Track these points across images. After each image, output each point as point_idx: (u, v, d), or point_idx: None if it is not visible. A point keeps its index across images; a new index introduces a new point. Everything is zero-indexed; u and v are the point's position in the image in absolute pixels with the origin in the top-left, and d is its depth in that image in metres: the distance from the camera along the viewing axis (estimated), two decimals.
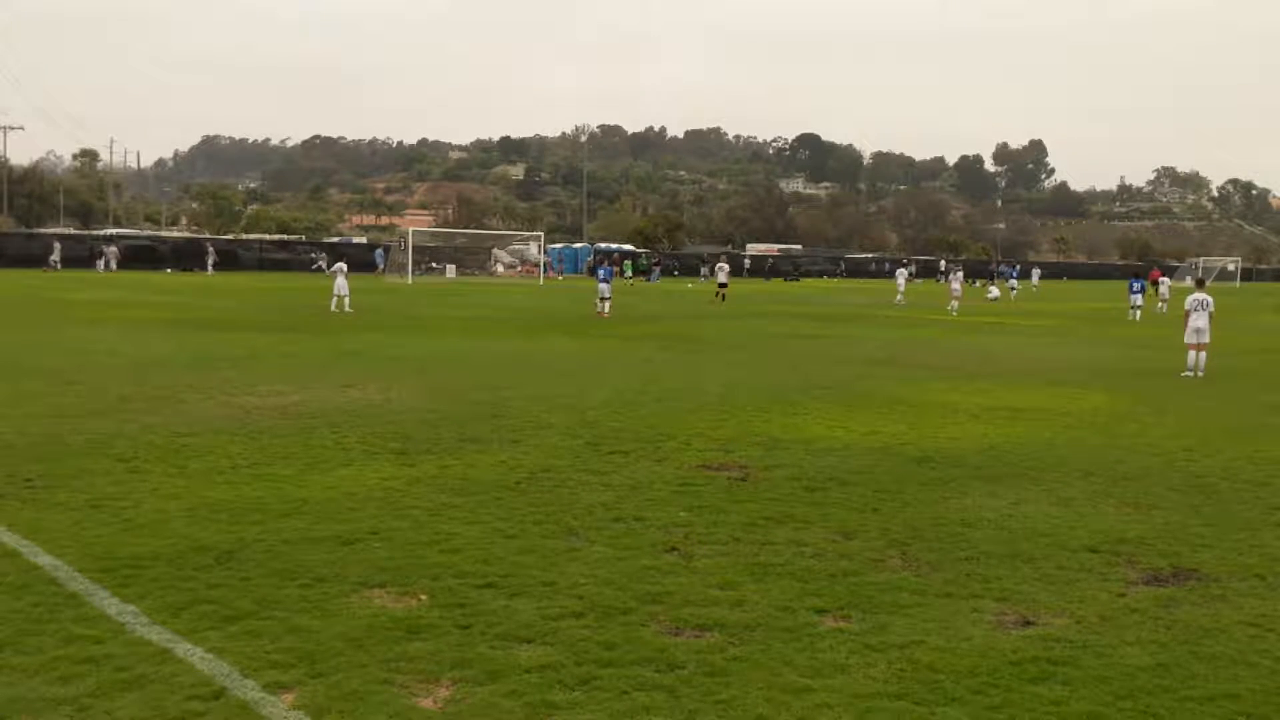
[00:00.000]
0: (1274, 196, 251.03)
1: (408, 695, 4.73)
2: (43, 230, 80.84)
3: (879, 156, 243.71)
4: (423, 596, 6.02)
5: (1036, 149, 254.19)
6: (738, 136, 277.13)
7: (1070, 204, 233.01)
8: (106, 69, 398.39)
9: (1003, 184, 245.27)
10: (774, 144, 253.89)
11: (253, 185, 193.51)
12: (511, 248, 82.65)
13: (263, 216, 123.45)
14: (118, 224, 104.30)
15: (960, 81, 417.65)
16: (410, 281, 55.57)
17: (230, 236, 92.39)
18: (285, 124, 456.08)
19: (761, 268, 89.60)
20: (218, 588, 6.08)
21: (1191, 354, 18.79)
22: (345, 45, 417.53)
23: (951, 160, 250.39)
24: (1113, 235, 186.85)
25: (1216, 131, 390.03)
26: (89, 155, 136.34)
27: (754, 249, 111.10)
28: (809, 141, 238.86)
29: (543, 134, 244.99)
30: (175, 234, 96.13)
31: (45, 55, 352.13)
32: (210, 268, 64.12)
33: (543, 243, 77.08)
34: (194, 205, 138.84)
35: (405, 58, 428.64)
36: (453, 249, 76.94)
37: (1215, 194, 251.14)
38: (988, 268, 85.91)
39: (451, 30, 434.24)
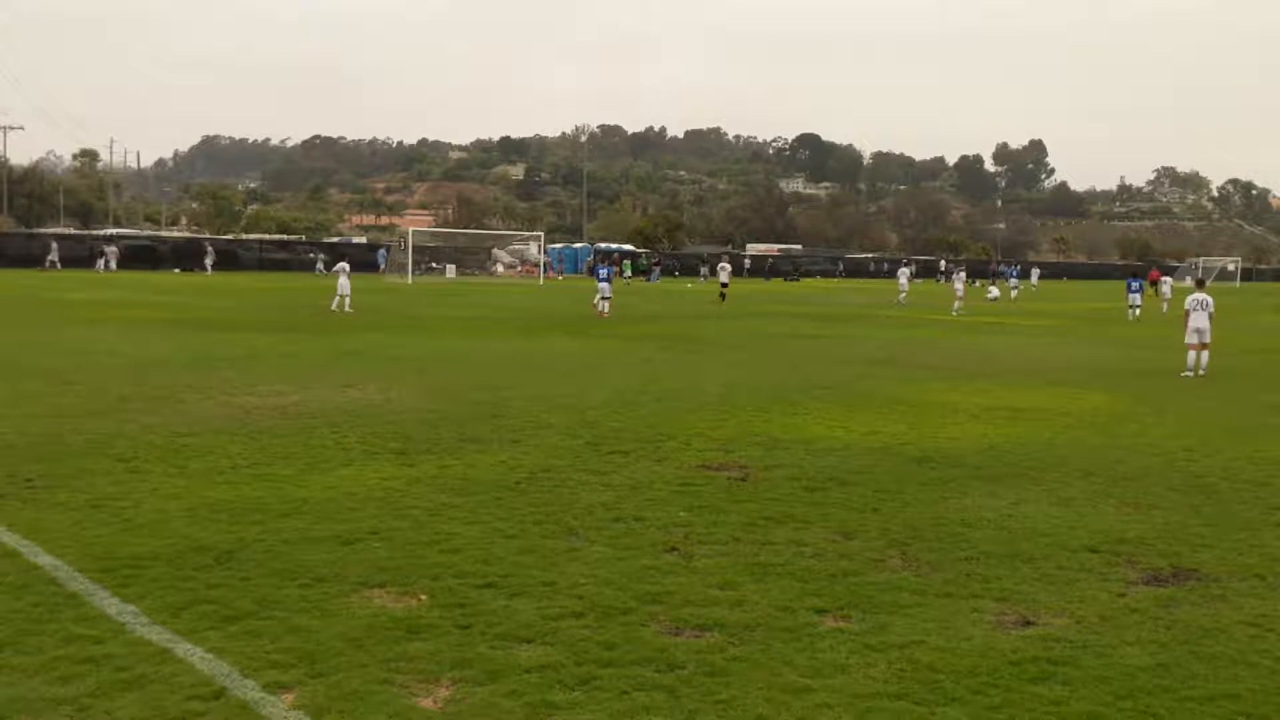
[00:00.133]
0: (1274, 196, 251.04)
1: (408, 695, 4.73)
2: (42, 230, 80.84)
3: (879, 156, 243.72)
4: (423, 596, 6.02)
5: (1036, 149, 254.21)
6: (738, 136, 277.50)
7: (1070, 204, 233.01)
8: (106, 69, 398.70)
9: (1003, 184, 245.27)
10: (774, 144, 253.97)
11: (253, 185, 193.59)
12: (511, 248, 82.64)
13: (263, 216, 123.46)
14: (118, 224, 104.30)
15: (960, 81, 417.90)
16: (410, 281, 55.57)
17: (230, 236, 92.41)
18: (285, 124, 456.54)
19: (761, 268, 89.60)
20: (218, 588, 6.08)
21: (1191, 354, 18.79)
22: (345, 45, 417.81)
23: (951, 160, 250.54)
24: (1113, 235, 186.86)
25: (1216, 131, 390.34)
26: (89, 155, 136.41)
27: (754, 249, 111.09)
28: (809, 141, 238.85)
29: (543, 134, 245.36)
30: (175, 234, 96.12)
31: (45, 55, 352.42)
32: (209, 268, 64.09)
33: (543, 243, 77.06)
34: (194, 205, 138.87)
35: (405, 58, 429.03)
36: (453, 249, 76.92)
37: (1215, 194, 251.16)
38: (988, 268, 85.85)
39: (451, 30, 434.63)
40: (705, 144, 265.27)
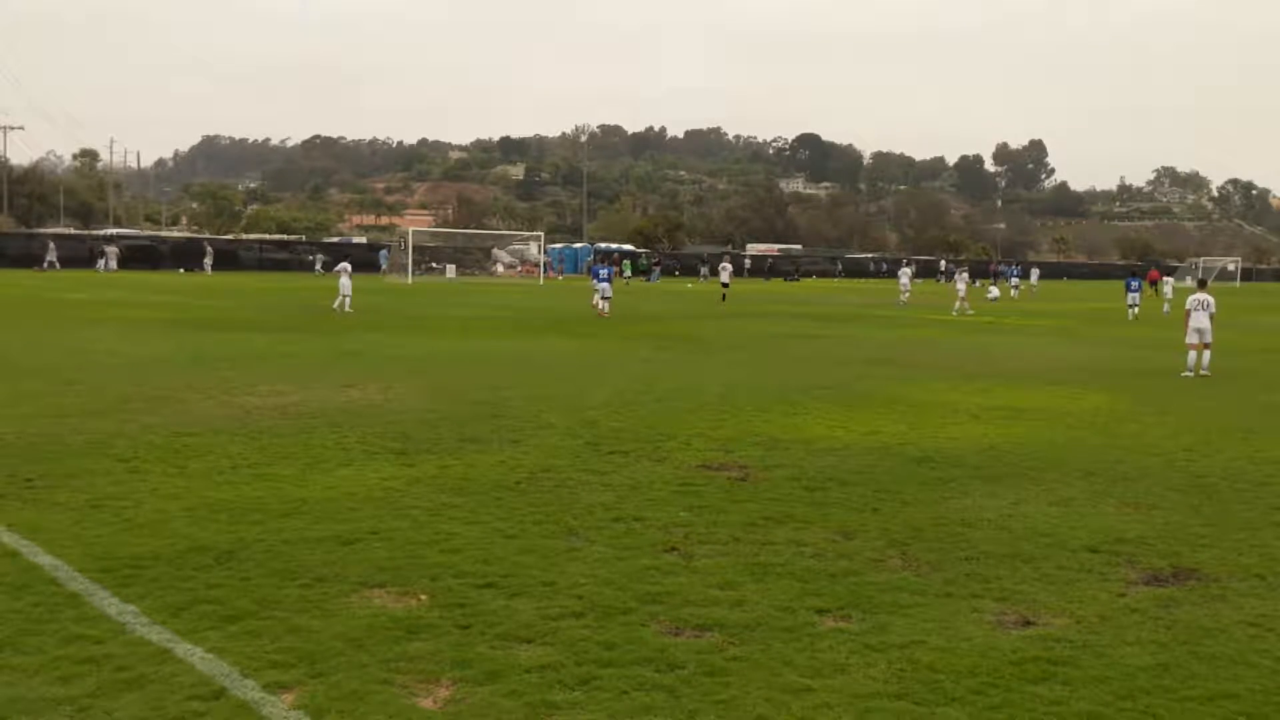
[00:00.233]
0: (1274, 196, 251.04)
1: (408, 695, 4.73)
2: (41, 230, 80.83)
3: (879, 156, 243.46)
4: (423, 596, 6.02)
5: (1036, 149, 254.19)
6: (738, 136, 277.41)
7: (1070, 204, 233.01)
8: (106, 69, 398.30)
9: (1003, 184, 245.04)
10: (774, 144, 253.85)
11: (253, 185, 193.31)
12: (511, 248, 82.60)
13: (263, 216, 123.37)
14: (118, 224, 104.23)
15: (960, 81, 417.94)
16: (410, 281, 55.57)
17: (230, 236, 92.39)
18: (285, 124, 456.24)
19: (761, 268, 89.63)
20: (218, 588, 6.08)
21: (1192, 354, 18.78)
22: (345, 45, 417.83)
23: (951, 160, 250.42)
24: (1113, 235, 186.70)
25: (1216, 131, 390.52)
26: (89, 155, 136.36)
27: (754, 249, 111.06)
28: (809, 141, 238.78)
29: (543, 134, 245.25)
30: (175, 234, 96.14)
31: (45, 55, 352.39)
32: (208, 268, 64.05)
33: (543, 243, 77.06)
34: (194, 205, 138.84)
35: (405, 58, 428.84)
36: (453, 249, 76.89)
37: (1215, 194, 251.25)
38: (988, 268, 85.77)
39: (451, 30, 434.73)
40: (705, 144, 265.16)
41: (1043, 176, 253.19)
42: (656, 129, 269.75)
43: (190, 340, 20.84)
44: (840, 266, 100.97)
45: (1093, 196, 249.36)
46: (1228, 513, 8.49)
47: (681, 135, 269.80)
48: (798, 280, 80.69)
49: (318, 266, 67.18)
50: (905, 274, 48.95)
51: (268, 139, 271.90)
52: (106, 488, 8.38)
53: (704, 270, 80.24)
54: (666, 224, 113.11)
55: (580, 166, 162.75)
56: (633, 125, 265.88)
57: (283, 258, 72.77)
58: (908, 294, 46.41)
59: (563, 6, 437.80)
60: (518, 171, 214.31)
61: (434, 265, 69.41)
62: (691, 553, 7.00)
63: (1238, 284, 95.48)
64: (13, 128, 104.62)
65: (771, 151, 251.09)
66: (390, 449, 10.23)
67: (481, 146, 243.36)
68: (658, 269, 75.43)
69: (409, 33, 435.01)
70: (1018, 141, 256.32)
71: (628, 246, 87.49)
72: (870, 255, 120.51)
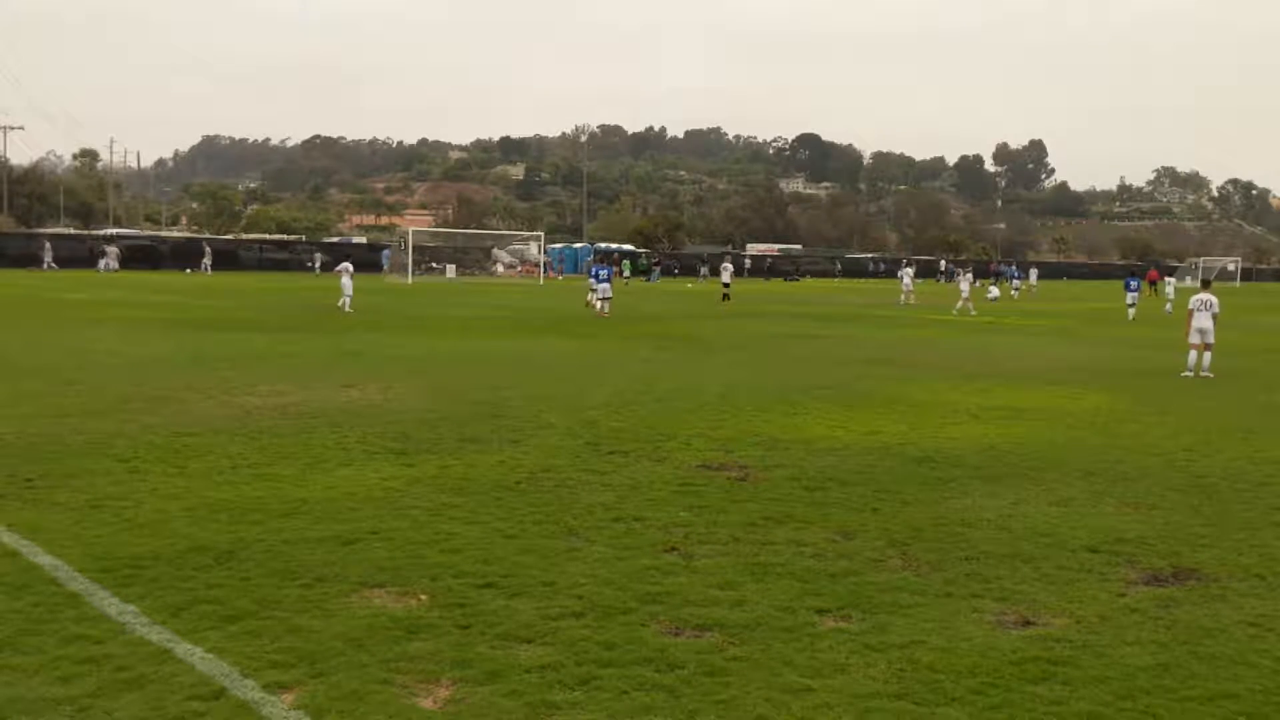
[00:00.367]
0: (1274, 196, 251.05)
1: (408, 695, 4.73)
2: (40, 230, 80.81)
3: (879, 156, 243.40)
4: (423, 596, 6.02)
5: (1036, 149, 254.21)
6: (738, 136, 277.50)
7: (1070, 204, 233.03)
8: (106, 69, 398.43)
9: (1003, 184, 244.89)
10: (774, 144, 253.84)
11: (253, 185, 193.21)
12: (511, 248, 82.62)
13: (263, 216, 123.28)
14: (118, 224, 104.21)
15: (961, 81, 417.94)
16: (410, 281, 55.57)
17: (230, 236, 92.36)
18: (285, 124, 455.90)
19: (761, 268, 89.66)
20: (218, 588, 6.08)
21: (1193, 354, 18.77)
22: (345, 45, 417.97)
23: (951, 160, 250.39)
24: (1113, 235, 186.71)
25: (1216, 131, 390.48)
26: (89, 155, 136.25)
27: (754, 249, 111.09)
28: (809, 141, 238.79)
29: (543, 134, 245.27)
30: (175, 234, 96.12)
31: (45, 55, 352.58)
32: (207, 268, 64.00)
33: (543, 243, 77.10)
34: (194, 205, 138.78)
35: (405, 58, 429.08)
36: (453, 249, 76.91)
37: (1215, 194, 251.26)
38: (988, 268, 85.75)
39: (451, 30, 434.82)
40: (705, 144, 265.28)
41: (1043, 176, 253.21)
42: (656, 129, 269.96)
43: (190, 340, 20.84)
44: (840, 266, 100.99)
45: (1093, 196, 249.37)
46: (1228, 513, 8.49)
47: (681, 135, 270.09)
48: (798, 280, 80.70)
49: (316, 266, 67.14)
50: (907, 274, 48.91)
51: (268, 139, 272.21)
52: (106, 488, 8.38)
53: (704, 270, 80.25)
54: (666, 224, 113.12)
55: (580, 166, 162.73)
56: (633, 125, 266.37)
57: (283, 258, 72.78)
58: (911, 295, 46.36)
59: (563, 6, 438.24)
60: (518, 171, 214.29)
61: (434, 265, 69.43)
62: (691, 553, 6.99)
63: (1238, 284, 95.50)
64: (13, 128, 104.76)
65: (771, 151, 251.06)
66: (390, 449, 10.23)
67: (481, 146, 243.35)
68: (658, 269, 75.44)
69: (409, 33, 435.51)
70: (1018, 141, 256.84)
71: (628, 246, 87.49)
72: (870, 255, 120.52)
